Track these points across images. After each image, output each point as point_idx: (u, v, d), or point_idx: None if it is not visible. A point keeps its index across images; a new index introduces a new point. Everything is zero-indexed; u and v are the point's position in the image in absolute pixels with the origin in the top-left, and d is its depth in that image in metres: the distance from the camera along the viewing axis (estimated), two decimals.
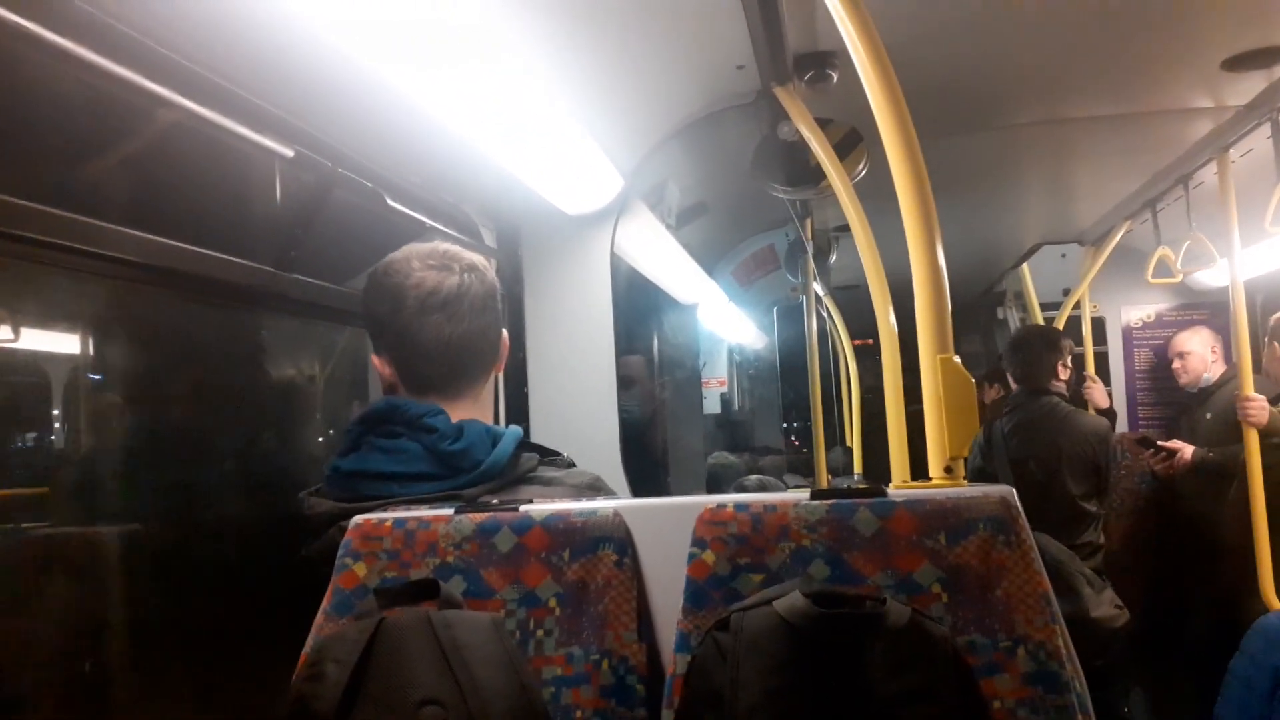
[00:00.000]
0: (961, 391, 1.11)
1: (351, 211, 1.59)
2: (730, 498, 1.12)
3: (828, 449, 3.81)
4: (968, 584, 1.02)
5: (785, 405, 5.27)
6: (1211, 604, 3.29)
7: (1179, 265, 3.47)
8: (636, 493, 2.27)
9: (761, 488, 3.57)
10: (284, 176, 1.43)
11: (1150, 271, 3.61)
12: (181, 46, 1.20)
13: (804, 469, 4.61)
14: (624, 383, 2.75)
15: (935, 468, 1.12)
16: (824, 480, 3.69)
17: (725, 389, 5.11)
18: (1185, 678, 3.45)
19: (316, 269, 1.56)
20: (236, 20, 1.22)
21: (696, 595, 1.08)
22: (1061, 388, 3.66)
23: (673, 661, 1.05)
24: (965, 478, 1.14)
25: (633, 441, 2.79)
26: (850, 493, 1.09)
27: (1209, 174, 3.06)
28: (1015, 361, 3.71)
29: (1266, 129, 2.57)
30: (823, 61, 2.01)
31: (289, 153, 1.37)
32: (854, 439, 4.91)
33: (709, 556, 1.09)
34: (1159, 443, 3.77)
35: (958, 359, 1.12)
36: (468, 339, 1.39)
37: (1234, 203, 2.82)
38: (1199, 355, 4.02)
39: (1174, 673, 3.55)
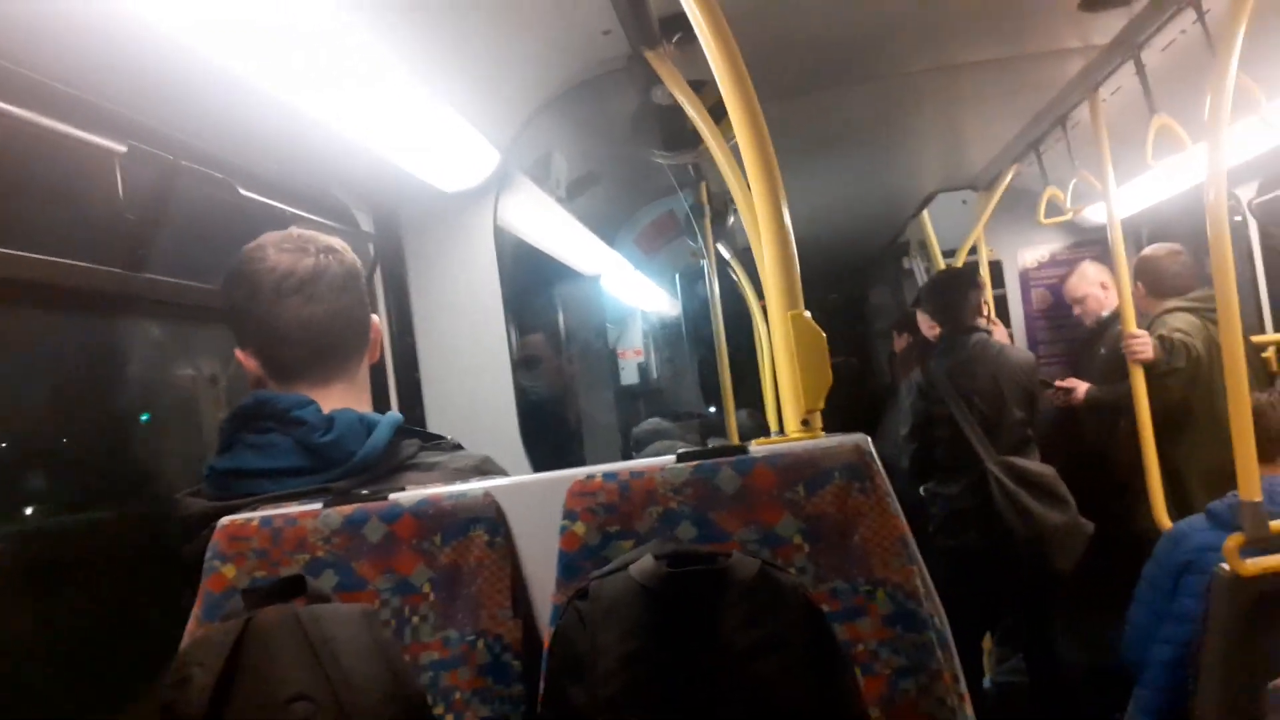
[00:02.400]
0: (813, 346, 1.13)
1: (203, 204, 1.54)
2: (599, 468, 1.12)
3: (740, 409, 3.85)
4: (827, 532, 1.05)
5: (699, 370, 5.30)
6: (1114, 534, 3.44)
7: (1068, 204, 3.58)
8: (544, 470, 2.26)
9: (656, 435, 3.61)
10: (125, 172, 1.37)
11: (1041, 212, 3.71)
12: None
13: (720, 432, 4.65)
14: (528, 361, 2.75)
15: (791, 421, 1.14)
16: (735, 441, 3.72)
17: (641, 358, 5.12)
18: (1095, 607, 3.61)
19: (172, 267, 1.51)
20: (54, 14, 1.16)
21: (569, 567, 1.08)
22: (984, 324, 3.78)
23: (547, 635, 1.06)
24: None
25: (542, 418, 2.79)
26: (713, 452, 1.10)
27: (1084, 114, 3.14)
28: (939, 304, 3.81)
29: (1132, 66, 2.64)
30: (688, 23, 2.00)
31: (122, 148, 1.32)
32: (768, 399, 4.96)
33: (579, 528, 1.09)
34: (1055, 382, 3.91)
35: (808, 314, 1.14)
36: (329, 320, 1.36)
37: (1106, 141, 2.90)
38: (1092, 295, 4.15)
39: (1085, 605, 3.71)
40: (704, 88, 2.27)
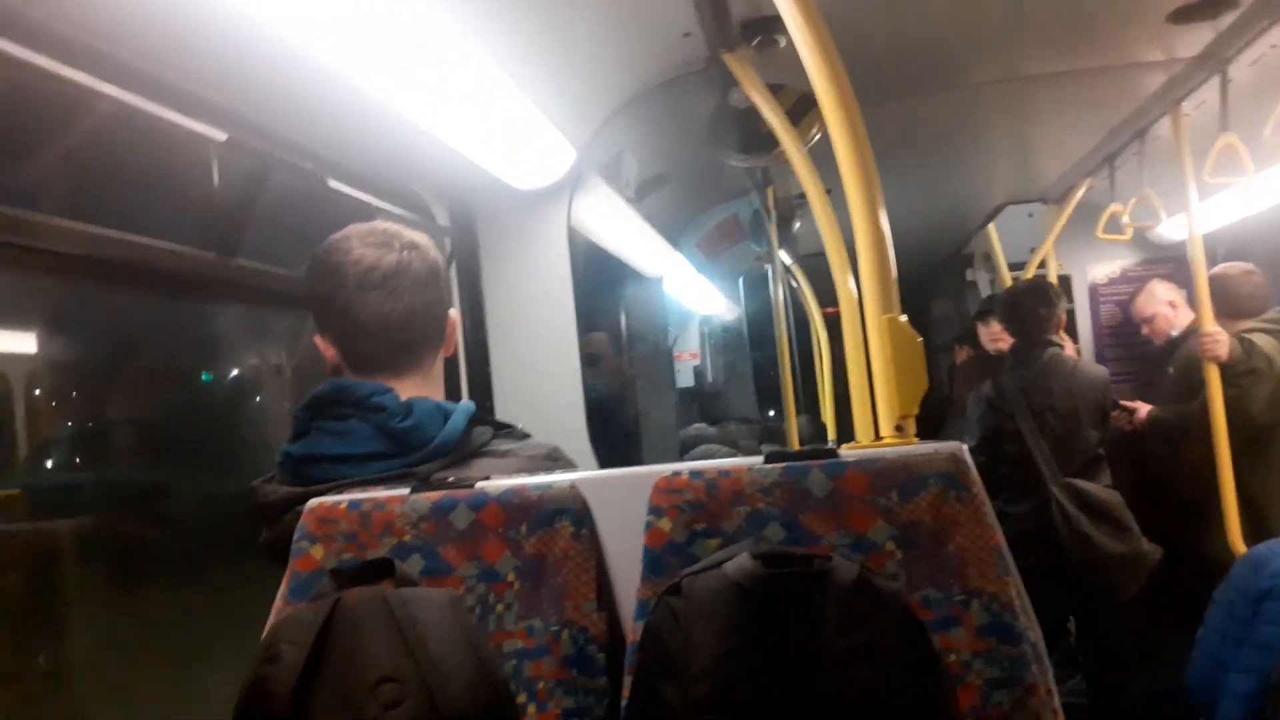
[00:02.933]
0: (909, 350, 1.11)
1: (293, 195, 1.57)
2: (685, 465, 1.12)
3: (798, 416, 3.82)
4: (920, 540, 1.03)
5: (756, 375, 5.27)
6: (1179, 556, 3.35)
7: (1126, 220, 3.50)
8: (606, 467, 2.26)
9: (698, 440, 3.59)
10: (220, 162, 1.40)
11: (1101, 227, 3.64)
12: (106, 33, 1.17)
13: (779, 437, 4.62)
14: (591, 359, 2.75)
15: (886, 426, 1.12)
16: (795, 447, 3.70)
17: (698, 361, 5.11)
18: (1159, 628, 3.52)
19: (261, 254, 1.54)
20: (163, 6, 1.19)
21: (654, 563, 1.08)
22: (1059, 340, 3.70)
23: (633, 629, 1.05)
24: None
25: (603, 417, 2.79)
26: (803, 454, 1.09)
27: (1164, 128, 3.07)
28: (1014, 316, 3.74)
29: (1217, 81, 2.58)
30: (770, 26, 1.99)
31: (221, 137, 1.34)
32: (826, 406, 4.92)
33: (665, 524, 1.09)
34: (1121, 402, 3.83)
35: (904, 318, 1.12)
36: (409, 316, 1.38)
37: (1189, 156, 2.84)
38: (1162, 314, 4.06)
39: (1148, 626, 3.62)
40: (781, 91, 2.27)
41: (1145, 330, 4.15)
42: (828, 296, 5.13)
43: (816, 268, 4.82)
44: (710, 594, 0.90)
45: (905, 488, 1.04)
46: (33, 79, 1.09)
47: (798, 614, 0.87)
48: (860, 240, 1.14)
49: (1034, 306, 3.64)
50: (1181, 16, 2.28)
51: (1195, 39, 2.48)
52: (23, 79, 1.07)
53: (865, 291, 1.13)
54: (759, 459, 1.11)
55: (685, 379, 4.91)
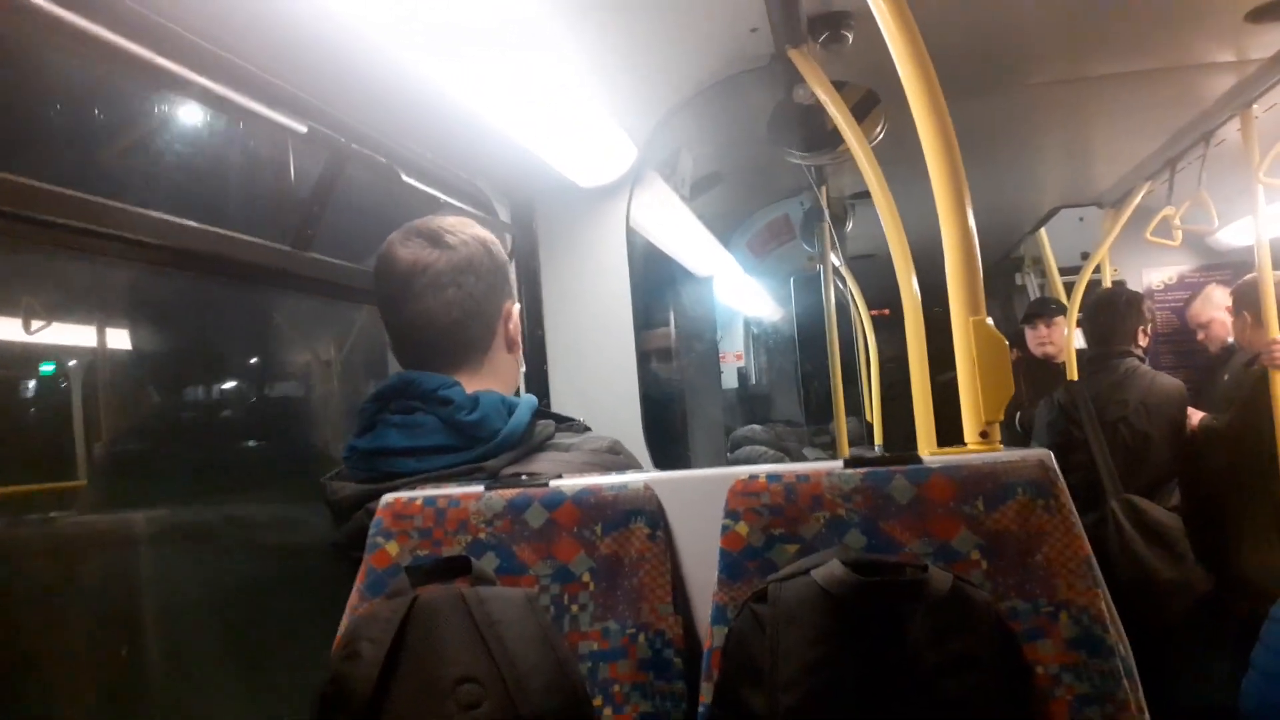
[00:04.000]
0: (995, 354, 1.09)
1: (365, 188, 1.57)
2: (762, 468, 1.10)
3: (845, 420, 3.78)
4: (1007, 549, 1.00)
5: (804, 377, 5.23)
6: (1229, 571, 3.27)
7: (1177, 223, 3.42)
8: (658, 467, 2.25)
9: (747, 440, 3.55)
10: (297, 153, 1.41)
11: (1150, 230, 3.57)
12: (191, 23, 1.18)
13: (822, 441, 4.59)
14: (642, 357, 2.74)
15: (970, 432, 1.10)
16: (844, 452, 3.67)
17: (742, 363, 5.08)
18: (1209, 644, 3.44)
19: (332, 247, 1.55)
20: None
21: (731, 567, 1.06)
22: (1139, 351, 3.62)
23: (709, 634, 1.04)
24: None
25: (653, 416, 2.78)
26: (885, 460, 1.07)
27: (1231, 130, 3.00)
28: (1098, 323, 3.65)
29: None
30: (837, 22, 1.97)
31: (302, 128, 1.35)
32: (874, 410, 4.88)
33: (742, 528, 1.07)
34: None
35: (990, 320, 1.10)
36: (429, 315, 1.37)
37: (1258, 158, 2.77)
38: (1217, 320, 3.97)
39: (1199, 642, 3.54)
40: (845, 88, 2.24)
41: (1200, 336, 4.06)
42: (873, 299, 5.09)
43: (864, 270, 4.79)
44: (798, 601, 0.89)
45: (991, 495, 1.02)
46: (117, 62, 1.09)
47: (889, 623, 0.86)
48: (947, 240, 1.12)
49: (1116, 313, 3.55)
50: (1259, 16, 2.22)
51: (1270, 39, 2.42)
52: (113, 66, 1.08)
53: (952, 293, 1.11)
54: (838, 463, 1.09)
55: (729, 380, 4.88)
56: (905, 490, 1.04)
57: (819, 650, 0.86)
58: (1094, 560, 1.01)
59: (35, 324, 1.39)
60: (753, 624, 0.91)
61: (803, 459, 3.69)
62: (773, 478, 1.08)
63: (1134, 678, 0.98)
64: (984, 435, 1.09)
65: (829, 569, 0.88)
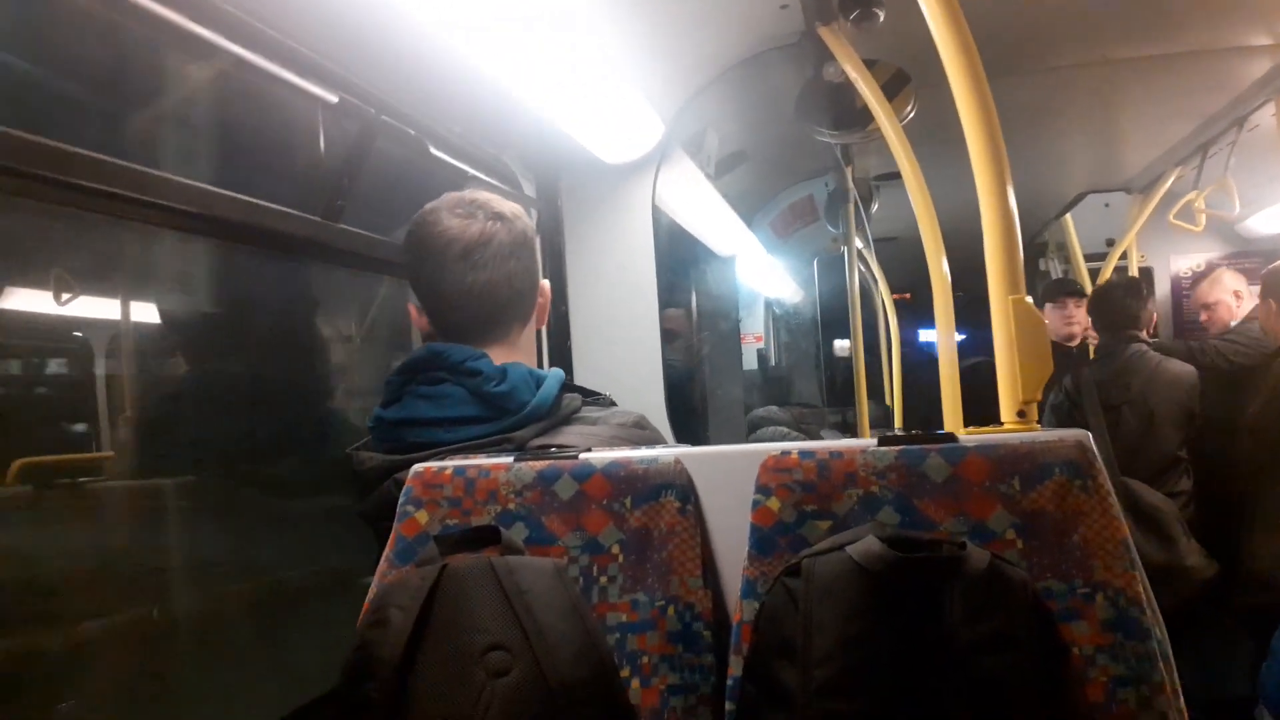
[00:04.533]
0: (1034, 333, 1.08)
1: (394, 161, 1.57)
2: (794, 445, 1.10)
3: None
4: (1043, 530, 1.00)
5: (826, 359, 5.21)
6: (1233, 559, 3.25)
7: (1200, 205, 3.39)
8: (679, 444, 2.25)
9: (767, 421, 3.55)
10: (327, 124, 1.40)
11: (1174, 213, 3.53)
12: None
13: (841, 423, 4.57)
14: (664, 336, 2.73)
15: (1007, 412, 1.09)
16: (865, 434, 3.65)
17: (761, 344, 5.06)
18: (1212, 635, 3.42)
19: (361, 219, 1.54)
20: None
21: (762, 542, 1.06)
22: (1145, 336, 3.60)
23: (739, 608, 1.04)
24: (1045, 422, 1.11)
25: (673, 394, 2.77)
26: (920, 438, 1.06)
27: (1265, 116, 2.95)
28: (1103, 310, 3.64)
29: None
30: None
31: (333, 99, 1.34)
32: (894, 393, 4.85)
33: (774, 503, 1.06)
34: None
35: (1030, 299, 1.08)
36: (491, 287, 1.38)
37: None
38: (1224, 303, 3.91)
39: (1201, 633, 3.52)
40: (875, 67, 2.22)
41: (1204, 317, 3.99)
42: (895, 282, 5.06)
43: (886, 253, 4.75)
44: (833, 576, 0.88)
45: (1028, 475, 1.01)
46: (151, 28, 1.09)
47: (925, 600, 0.85)
48: (987, 218, 1.10)
49: (1123, 300, 3.53)
50: None
51: None
52: (141, 28, 1.07)
53: (991, 272, 1.09)
54: (872, 440, 1.08)
55: (748, 361, 4.86)
56: (940, 469, 1.03)
57: (854, 626, 0.85)
58: (1131, 542, 1.00)
59: (64, 295, 1.39)
60: (785, 598, 0.90)
61: (780, 423, 3.68)
62: (805, 454, 1.07)
63: (1169, 661, 0.97)
64: (1021, 415, 1.08)
65: (865, 544, 0.87)
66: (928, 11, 1.13)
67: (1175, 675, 0.97)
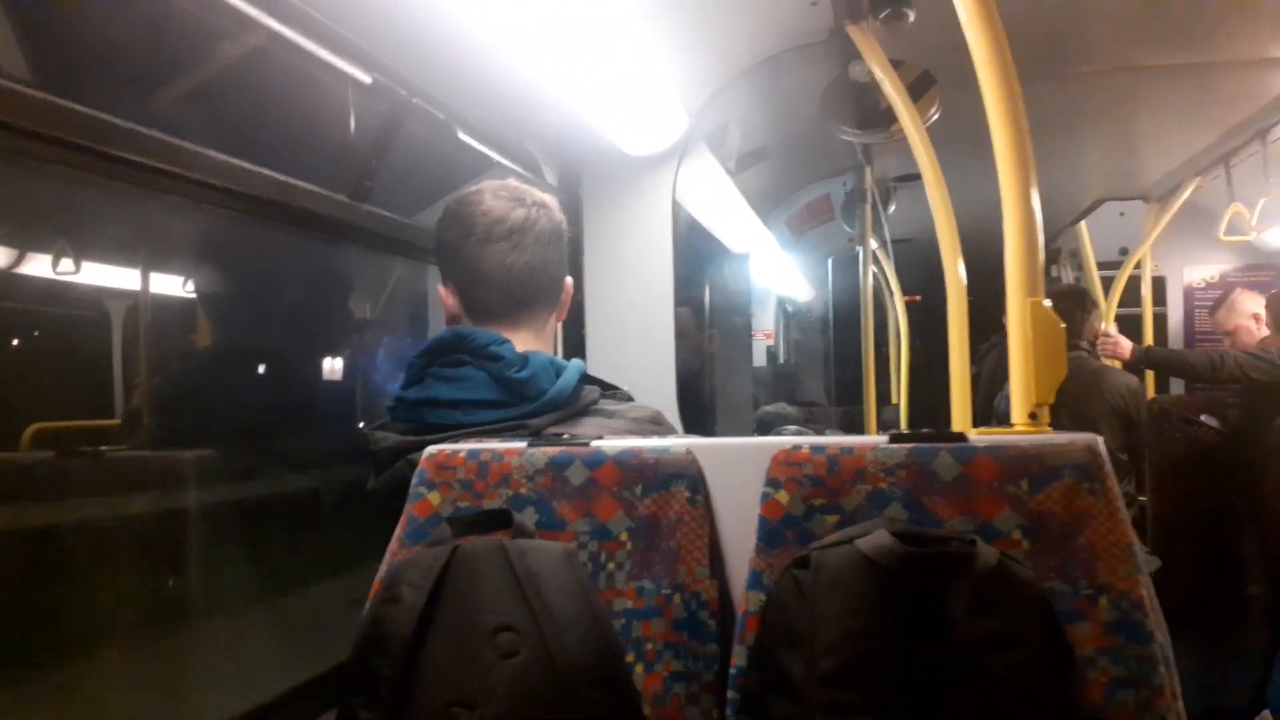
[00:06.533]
0: (1050, 336, 1.08)
1: (421, 144, 1.58)
2: (805, 440, 1.11)
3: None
4: (1049, 531, 1.01)
5: (837, 359, 5.22)
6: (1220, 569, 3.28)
7: (1254, 222, 3.38)
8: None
9: (779, 418, 3.57)
10: (358, 104, 1.42)
11: (1223, 229, 3.52)
12: None
13: (849, 423, 4.57)
14: (678, 332, 2.74)
15: (1019, 413, 1.09)
16: (874, 433, 3.65)
17: (771, 342, 5.06)
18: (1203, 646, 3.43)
19: (386, 201, 1.56)
20: None
21: (770, 534, 1.07)
22: (1085, 345, 3.67)
23: (744, 598, 1.05)
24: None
25: (683, 389, 2.78)
26: (931, 436, 1.07)
27: None
28: None
29: None
30: None
31: (366, 79, 1.36)
32: (901, 395, 4.86)
33: (783, 496, 1.08)
34: (1201, 418, 3.73)
35: (1048, 302, 1.09)
36: (529, 271, 1.41)
37: None
38: (1244, 328, 3.93)
39: (1223, 638, 3.52)
40: (901, 67, 2.22)
41: (1226, 343, 4.03)
42: (907, 285, 5.05)
43: (899, 254, 4.75)
44: (841, 569, 0.89)
45: (1037, 477, 1.02)
46: (193, 2, 1.10)
47: (932, 595, 0.86)
48: (1009, 221, 1.11)
49: (1068, 309, 3.58)
50: None
51: None
52: (179, 4, 1.08)
53: (1010, 274, 1.10)
54: (883, 437, 1.09)
55: (758, 359, 4.87)
56: (950, 468, 1.04)
57: (861, 618, 0.86)
58: (1137, 546, 1.01)
59: (85, 264, 1.41)
60: (793, 589, 0.92)
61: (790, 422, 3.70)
62: (816, 449, 1.08)
63: (1171, 665, 0.98)
64: (1033, 416, 1.09)
65: (875, 538, 0.89)
66: (963, 12, 1.14)
67: (1176, 680, 0.98)
